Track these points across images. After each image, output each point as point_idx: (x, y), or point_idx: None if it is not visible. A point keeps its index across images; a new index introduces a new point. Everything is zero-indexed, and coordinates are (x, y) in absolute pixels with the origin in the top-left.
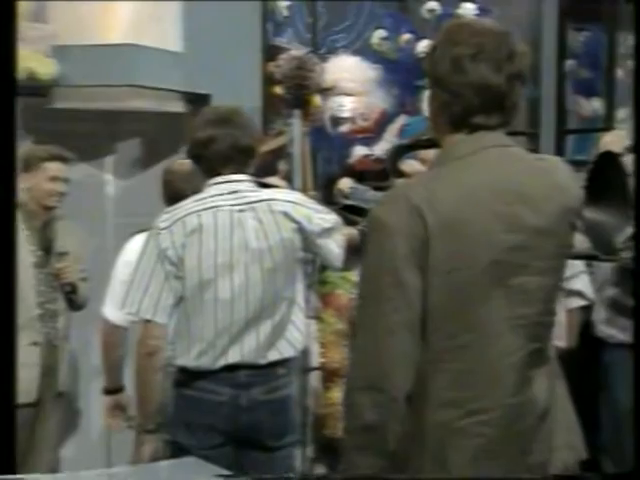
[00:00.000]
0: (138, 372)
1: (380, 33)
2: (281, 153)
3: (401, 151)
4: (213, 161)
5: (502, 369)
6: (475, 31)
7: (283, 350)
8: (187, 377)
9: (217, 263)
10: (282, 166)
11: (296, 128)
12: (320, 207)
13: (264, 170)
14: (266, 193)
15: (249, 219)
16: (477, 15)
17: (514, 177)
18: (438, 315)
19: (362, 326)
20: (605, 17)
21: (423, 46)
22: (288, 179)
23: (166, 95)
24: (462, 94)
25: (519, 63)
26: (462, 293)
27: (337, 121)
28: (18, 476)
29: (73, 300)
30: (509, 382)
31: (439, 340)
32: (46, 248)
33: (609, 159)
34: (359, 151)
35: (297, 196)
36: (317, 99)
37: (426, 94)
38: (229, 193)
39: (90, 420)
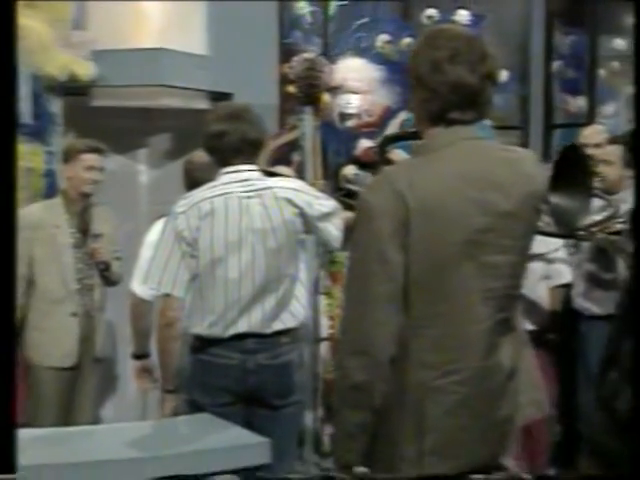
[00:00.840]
0: (159, 340)
1: (384, 37)
2: (294, 145)
3: (389, 142)
4: (225, 152)
5: (473, 335)
6: (451, 36)
7: (286, 321)
8: (201, 344)
9: (227, 244)
10: (295, 157)
11: (307, 123)
12: (320, 194)
13: (279, 160)
14: (271, 181)
15: (256, 204)
16: (471, 21)
17: (485, 166)
18: (417, 287)
19: (350, 297)
20: (587, 21)
21: None
22: (300, 169)
23: (193, 94)
24: (440, 92)
25: (490, 65)
26: (438, 268)
27: (344, 117)
28: (18, 475)
29: (107, 276)
30: (479, 347)
31: (418, 309)
32: (83, 230)
33: (574, 151)
34: (364, 144)
35: (299, 184)
36: (326, 97)
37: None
38: (238, 181)
39: (127, 383)
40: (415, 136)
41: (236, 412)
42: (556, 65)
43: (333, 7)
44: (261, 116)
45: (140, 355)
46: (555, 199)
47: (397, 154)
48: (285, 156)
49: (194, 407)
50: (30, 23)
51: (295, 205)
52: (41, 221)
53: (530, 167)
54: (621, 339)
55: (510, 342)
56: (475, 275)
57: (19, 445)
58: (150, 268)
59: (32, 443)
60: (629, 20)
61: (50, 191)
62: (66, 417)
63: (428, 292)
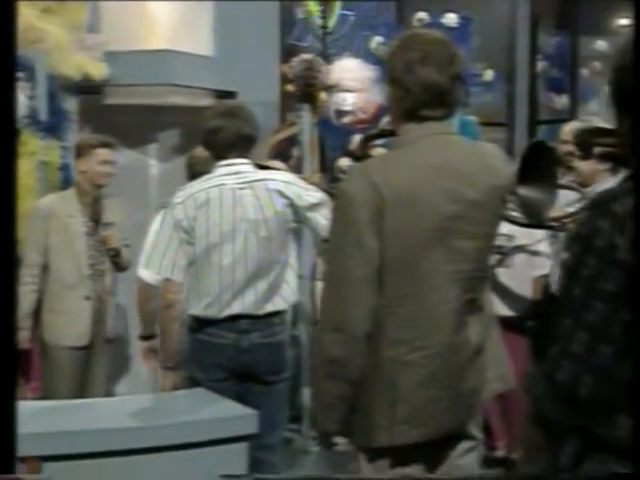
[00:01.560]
0: (159, 321)
1: (377, 39)
2: (293, 141)
3: (370, 138)
4: (220, 147)
5: (442, 314)
6: (423, 40)
7: (277, 304)
8: (199, 324)
9: (221, 232)
10: (294, 152)
11: (305, 120)
12: (309, 186)
13: (279, 155)
14: (263, 174)
15: (248, 195)
16: (459, 23)
17: (454, 158)
18: (391, 270)
19: (330, 279)
20: (570, 23)
21: None
22: (299, 163)
23: (199, 92)
24: (413, 91)
25: (458, 66)
26: (410, 253)
27: (340, 114)
28: (18, 475)
29: (117, 263)
30: (447, 325)
31: (391, 290)
32: (95, 220)
33: (541, 146)
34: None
35: (290, 177)
36: (323, 95)
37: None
38: (232, 174)
39: (139, 363)
40: (393, 133)
41: (231, 387)
42: (541, 65)
43: (336, 15)
44: (263, 113)
45: (147, 336)
46: (523, 191)
47: (377, 151)
48: (285, 151)
49: (192, 383)
50: (47, 27)
51: (285, 196)
52: (56, 211)
53: (495, 160)
54: (561, 317)
55: (477, 321)
56: (444, 259)
57: (24, 416)
58: (151, 254)
59: (38, 413)
60: (610, 22)
61: (65, 183)
62: (80, 394)
63: (401, 275)
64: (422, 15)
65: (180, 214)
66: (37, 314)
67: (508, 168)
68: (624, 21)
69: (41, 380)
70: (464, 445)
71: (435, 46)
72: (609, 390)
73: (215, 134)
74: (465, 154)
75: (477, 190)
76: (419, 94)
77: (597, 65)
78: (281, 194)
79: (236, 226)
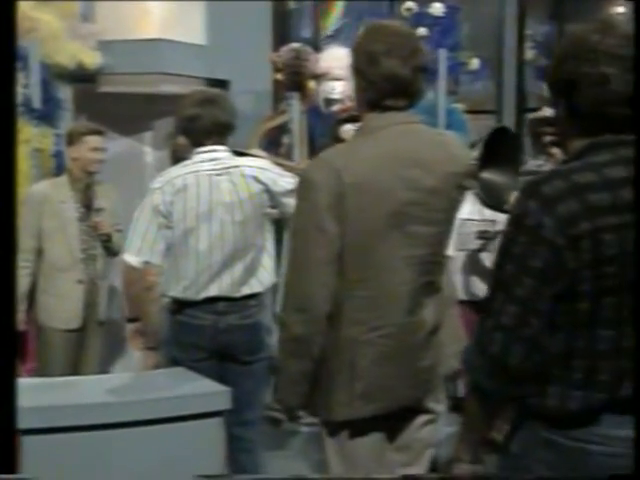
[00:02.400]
0: (139, 303)
1: None
2: (284, 129)
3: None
4: (197, 134)
5: (398, 296)
6: (388, 32)
7: (254, 286)
8: (178, 306)
9: (198, 216)
10: (285, 139)
11: (295, 108)
12: (285, 172)
13: (271, 142)
14: (239, 161)
15: (224, 181)
16: (445, 13)
17: (413, 147)
18: (350, 253)
19: (293, 261)
20: (558, 12)
21: None
22: (289, 150)
23: (192, 81)
24: (376, 82)
25: (421, 58)
26: (369, 237)
27: (329, 102)
28: (18, 476)
29: (109, 247)
30: (403, 306)
31: (351, 273)
32: (87, 205)
33: (503, 133)
34: (347, 127)
35: (265, 163)
36: (312, 84)
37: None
38: (209, 160)
39: None
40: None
41: (210, 367)
42: (530, 53)
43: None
44: (255, 101)
45: (133, 318)
46: (486, 175)
47: (347, 132)
48: (276, 138)
49: (173, 363)
50: (42, 16)
51: (260, 182)
52: (49, 197)
53: (454, 148)
54: (494, 292)
55: (434, 302)
56: (401, 243)
57: None
58: (131, 238)
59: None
60: (600, 10)
61: (59, 170)
62: (74, 374)
63: (360, 258)
64: (410, 4)
65: (158, 199)
66: (32, 297)
67: (467, 156)
68: (620, 9)
69: (36, 361)
70: (422, 419)
71: (399, 38)
72: (538, 361)
73: (192, 122)
74: (424, 142)
75: (434, 177)
76: (382, 85)
77: None
78: (256, 180)
79: (212, 211)
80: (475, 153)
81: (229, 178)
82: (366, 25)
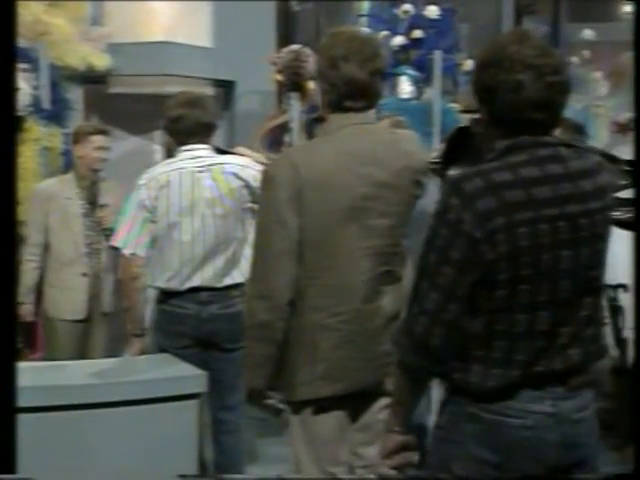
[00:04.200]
0: (125, 292)
1: (364, 30)
2: (285, 128)
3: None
4: (181, 134)
5: (356, 285)
6: (347, 37)
7: (236, 277)
8: (163, 296)
9: (181, 211)
10: (286, 138)
11: (294, 108)
12: None
13: (273, 141)
14: (221, 158)
15: (206, 178)
16: (440, 15)
17: (369, 145)
18: (310, 244)
19: (256, 252)
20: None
21: (398, 40)
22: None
23: (198, 82)
24: (336, 85)
25: (379, 62)
26: (327, 229)
27: None
28: (18, 476)
29: None
30: (361, 294)
31: (311, 262)
32: (92, 202)
33: (465, 131)
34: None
35: (246, 160)
36: (311, 84)
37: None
38: (192, 158)
39: None
40: None
41: (194, 354)
42: None
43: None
44: (260, 101)
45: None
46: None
47: None
48: (277, 137)
49: (159, 349)
50: (54, 20)
51: (240, 178)
52: (55, 194)
53: (409, 146)
54: (419, 280)
55: (393, 290)
56: (358, 235)
57: None
58: (118, 231)
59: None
60: (600, 10)
61: (67, 168)
62: None
63: (319, 249)
64: (407, 6)
65: (144, 194)
66: (40, 289)
67: (421, 153)
68: (628, 8)
69: (44, 350)
70: (383, 401)
71: (358, 43)
72: (458, 342)
73: (176, 122)
74: (380, 141)
75: (388, 173)
76: (341, 88)
77: (586, 53)
78: (237, 176)
79: (194, 205)
80: (437, 152)
81: (211, 175)
82: (327, 33)
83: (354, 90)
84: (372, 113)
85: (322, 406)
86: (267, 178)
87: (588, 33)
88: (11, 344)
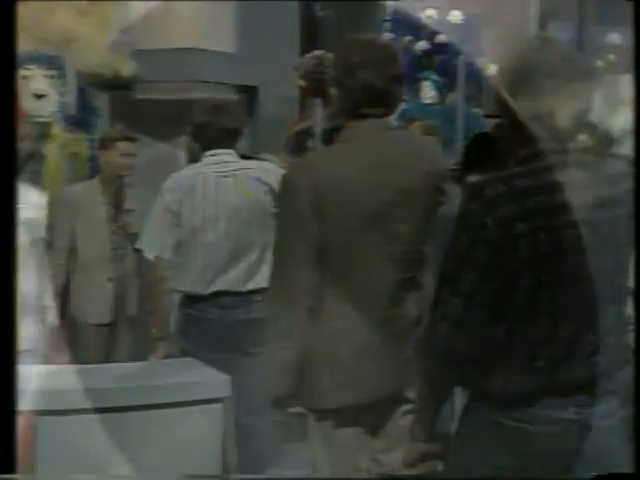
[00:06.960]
0: (151, 295)
1: (388, 35)
2: (309, 132)
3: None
4: (206, 140)
5: (377, 291)
6: (364, 44)
7: (259, 281)
8: (187, 300)
9: (204, 215)
10: (310, 143)
11: (318, 113)
12: None
13: (296, 146)
14: (245, 164)
15: (230, 183)
16: (463, 20)
17: (390, 152)
18: (332, 250)
19: (277, 259)
20: (582, 16)
21: (421, 45)
22: None
23: (222, 87)
24: (353, 92)
25: (397, 68)
26: (347, 235)
27: None
28: (18, 476)
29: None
30: (382, 300)
31: (331, 269)
32: (117, 207)
33: (485, 136)
34: None
35: (270, 165)
36: (333, 90)
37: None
38: (217, 163)
39: None
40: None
41: (218, 358)
42: None
43: None
44: (283, 107)
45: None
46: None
47: None
48: (301, 143)
49: (184, 353)
50: (81, 28)
51: (264, 183)
52: (81, 199)
53: (430, 152)
54: (440, 286)
55: (416, 297)
56: (379, 241)
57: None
58: (143, 235)
59: (40, 375)
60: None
61: (94, 173)
62: None
63: (339, 255)
64: (431, 12)
65: (168, 198)
66: (66, 293)
67: (441, 159)
68: None
69: (70, 353)
70: (405, 407)
71: (375, 50)
72: (480, 348)
73: (202, 129)
74: (401, 147)
75: (410, 179)
76: (359, 95)
77: (611, 57)
78: (261, 181)
79: (218, 210)
80: (457, 159)
81: (234, 180)
82: (342, 40)
83: (372, 97)
84: (391, 119)
85: (342, 413)
86: (285, 184)
87: (614, 37)
88: (11, 344)
